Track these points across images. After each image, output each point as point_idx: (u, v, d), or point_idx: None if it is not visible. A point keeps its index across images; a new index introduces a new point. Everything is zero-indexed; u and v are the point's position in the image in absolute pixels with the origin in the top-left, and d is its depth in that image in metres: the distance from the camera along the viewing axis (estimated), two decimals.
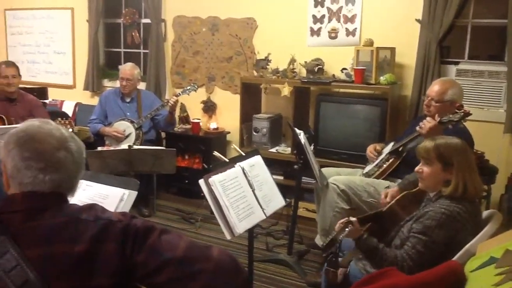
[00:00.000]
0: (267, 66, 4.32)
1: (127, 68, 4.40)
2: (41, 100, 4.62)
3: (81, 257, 1.13)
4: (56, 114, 4.63)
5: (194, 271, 1.16)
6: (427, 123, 2.70)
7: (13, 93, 4.08)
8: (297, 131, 3.22)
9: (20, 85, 4.27)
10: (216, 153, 2.79)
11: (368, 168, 3.31)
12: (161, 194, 4.59)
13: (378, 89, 3.84)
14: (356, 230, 2.15)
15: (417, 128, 2.79)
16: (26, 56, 6.02)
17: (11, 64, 4.11)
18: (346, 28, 4.22)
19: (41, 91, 5.36)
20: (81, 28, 5.53)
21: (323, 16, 4.29)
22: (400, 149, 3.10)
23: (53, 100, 5.56)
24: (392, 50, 3.96)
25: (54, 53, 5.86)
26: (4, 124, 3.93)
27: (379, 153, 3.34)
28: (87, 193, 2.12)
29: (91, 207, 1.25)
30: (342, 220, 2.20)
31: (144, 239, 1.19)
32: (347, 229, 2.11)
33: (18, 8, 5.98)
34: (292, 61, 4.19)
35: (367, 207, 3.03)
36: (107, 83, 5.51)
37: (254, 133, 4.32)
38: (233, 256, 1.23)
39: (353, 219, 2.18)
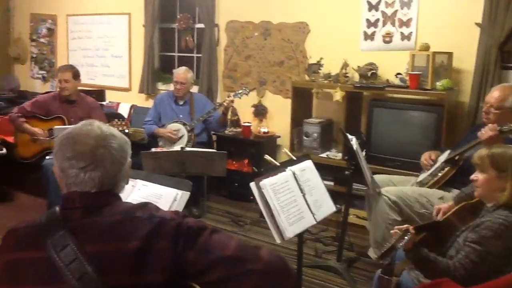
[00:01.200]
0: (319, 71, 4.29)
1: (180, 72, 4.49)
2: (99, 102, 4.79)
3: (135, 253, 1.16)
4: (113, 115, 4.79)
5: (244, 271, 1.17)
6: (488, 131, 2.60)
7: (70, 96, 4.24)
8: (349, 136, 3.17)
9: (80, 88, 4.44)
10: (267, 157, 2.80)
11: (422, 176, 3.22)
12: (211, 196, 4.65)
13: (434, 95, 3.73)
14: (412, 239, 2.09)
15: (478, 133, 2.68)
16: (85, 60, 6.26)
17: (66, 69, 4.25)
18: (401, 32, 4.13)
19: (99, 93, 5.55)
20: (137, 33, 5.70)
21: (377, 20, 4.22)
22: (457, 157, 3.00)
23: (109, 102, 5.77)
24: (450, 54, 3.83)
25: (112, 57, 6.06)
26: (64, 124, 4.10)
27: (434, 161, 3.23)
28: (142, 192, 2.17)
29: (145, 205, 1.28)
30: (400, 227, 2.14)
31: (196, 237, 1.20)
32: (406, 237, 2.05)
33: (79, 14, 6.23)
34: (345, 65, 4.14)
35: (420, 218, 2.94)
36: (161, 86, 5.65)
37: (305, 137, 4.30)
38: (283, 258, 1.23)
39: (410, 227, 2.11)
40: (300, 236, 2.62)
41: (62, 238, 1.17)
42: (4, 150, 4.55)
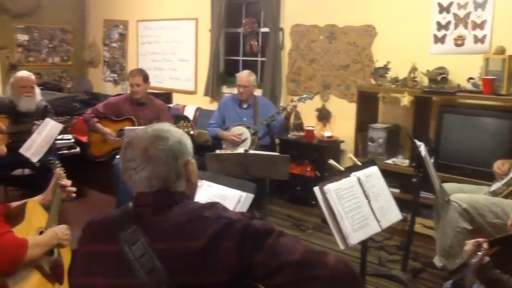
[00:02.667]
0: (386, 75, 4.19)
1: (244, 75, 4.54)
2: (166, 105, 4.94)
3: (201, 252, 1.18)
4: (179, 117, 4.93)
5: (310, 276, 1.15)
6: None
7: (140, 98, 4.42)
8: (417, 143, 3.07)
9: (148, 90, 4.60)
10: (331, 162, 2.77)
11: (496, 186, 3.05)
12: (273, 200, 4.65)
13: (509, 100, 3.53)
14: (485, 255, 1.97)
15: None
16: (154, 64, 6.48)
17: (137, 73, 4.44)
18: (474, 35, 3.95)
19: (166, 96, 5.74)
20: (203, 38, 5.83)
21: (449, 22, 4.06)
22: None
23: (176, 104, 5.93)
24: None
25: (179, 61, 6.23)
26: (134, 125, 4.26)
27: (509, 170, 3.06)
28: (208, 193, 2.21)
29: (214, 206, 1.29)
30: (471, 241, 2.02)
31: (263, 240, 1.20)
32: (479, 253, 1.93)
33: (149, 19, 6.47)
34: (413, 69, 4.02)
35: (492, 229, 2.78)
36: (225, 89, 5.74)
37: (370, 143, 4.20)
38: (350, 265, 1.20)
39: (484, 243, 1.98)
40: (364, 243, 2.57)
41: (133, 233, 1.22)
42: (78, 149, 4.81)
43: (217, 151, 4.01)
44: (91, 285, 1.25)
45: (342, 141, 4.68)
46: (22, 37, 6.67)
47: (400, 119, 4.28)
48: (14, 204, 1.95)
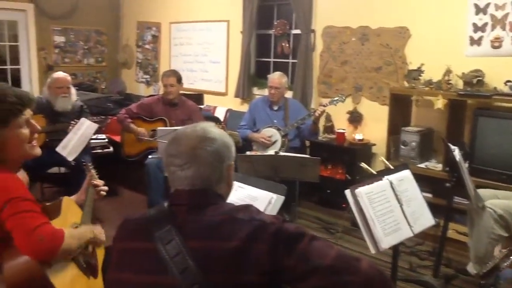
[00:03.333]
0: (420, 77, 4.12)
1: (275, 77, 4.54)
2: (198, 106, 4.99)
3: (234, 253, 1.19)
4: (210, 118, 4.98)
5: (342, 282, 1.15)
6: None
7: (173, 99, 4.49)
8: (451, 147, 3.01)
9: (181, 91, 4.66)
10: (363, 165, 2.74)
11: None
12: (302, 202, 4.64)
13: None
14: None
15: None
16: (185, 65, 6.55)
17: (171, 74, 4.52)
18: None
19: (198, 97, 5.80)
20: (235, 39, 5.86)
21: (486, 24, 3.97)
22: None
23: (207, 105, 5.99)
24: None
25: (210, 63, 6.29)
26: (166, 126, 4.32)
27: None
28: (239, 194, 2.22)
29: (247, 208, 1.31)
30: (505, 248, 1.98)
31: (295, 243, 1.20)
32: (511, 257, 1.90)
33: (181, 21, 6.55)
34: (448, 72, 3.94)
35: None
36: (256, 91, 5.75)
37: (402, 146, 4.14)
38: (383, 272, 1.19)
39: None
40: (395, 248, 2.53)
41: (168, 232, 1.24)
42: (111, 148, 4.90)
43: (248, 153, 4.02)
44: (126, 281, 1.27)
45: (374, 144, 4.63)
46: (59, 39, 6.85)
47: (434, 122, 4.20)
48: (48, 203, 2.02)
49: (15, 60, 6.50)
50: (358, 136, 4.65)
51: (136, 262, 1.27)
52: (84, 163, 2.36)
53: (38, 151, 1.82)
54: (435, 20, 4.21)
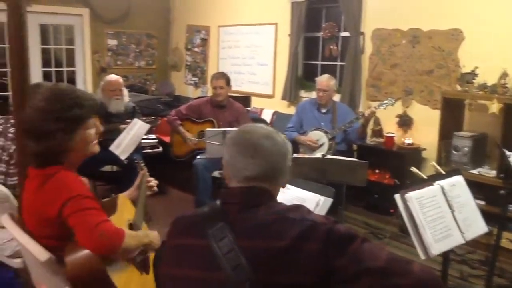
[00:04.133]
0: (473, 81, 4.00)
1: (323, 79, 4.52)
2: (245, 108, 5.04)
3: (285, 252, 1.20)
4: (257, 120, 5.02)
5: (393, 284, 1.14)
6: None
7: (222, 101, 4.55)
8: (507, 153, 2.90)
9: (229, 93, 4.72)
10: (413, 169, 2.68)
11: None
12: (348, 206, 4.59)
13: None
14: None
15: None
16: (233, 68, 6.62)
17: (220, 77, 4.60)
18: None
19: (245, 99, 5.84)
20: (283, 42, 5.88)
21: None
22: None
23: (254, 108, 6.03)
24: None
25: (257, 65, 6.33)
26: (214, 127, 4.39)
27: None
28: (286, 195, 2.23)
29: (298, 208, 1.32)
30: None
31: (346, 244, 1.20)
32: None
33: (229, 24, 6.63)
34: (504, 75, 3.80)
35: None
36: (303, 93, 5.74)
37: (454, 151, 4.03)
38: (436, 276, 1.17)
39: None
40: (445, 255, 2.47)
41: (221, 230, 1.27)
42: (160, 148, 5.03)
43: (295, 155, 4.02)
44: (179, 276, 1.31)
45: (424, 149, 4.52)
46: (112, 42, 7.09)
47: (488, 127, 4.06)
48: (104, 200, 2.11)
49: (71, 62, 6.79)
50: (407, 140, 4.56)
51: (190, 257, 1.31)
52: (136, 161, 2.43)
53: (97, 148, 1.92)
54: (490, 22, 4.07)
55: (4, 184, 2.57)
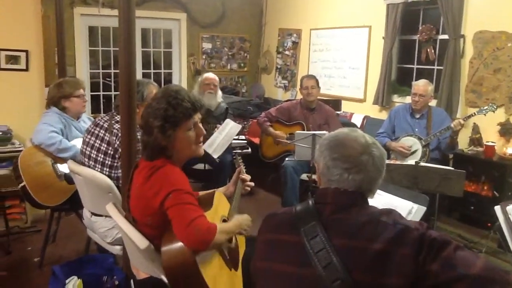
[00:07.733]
0: None
1: (421, 84, 4.35)
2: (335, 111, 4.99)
3: (378, 255, 1.21)
4: (346, 124, 4.94)
5: None
6: None
7: (312, 103, 4.56)
8: None
9: (318, 97, 4.71)
10: None
11: None
12: (442, 217, 4.38)
13: None
14: None
15: None
16: (324, 71, 6.59)
17: (311, 77, 4.66)
18: None
19: (335, 103, 5.79)
20: (376, 45, 5.74)
21: None
22: None
23: (343, 112, 5.95)
24: None
25: (349, 69, 6.24)
26: (304, 130, 4.40)
27: None
28: (377, 201, 2.17)
29: (390, 212, 1.32)
30: None
31: (439, 250, 1.20)
32: None
33: (321, 28, 6.61)
34: None
35: None
36: (396, 98, 5.57)
37: None
38: None
39: None
40: None
41: (313, 228, 1.30)
42: (249, 149, 5.12)
43: (386, 161, 3.91)
44: (272, 270, 1.35)
45: None
46: (206, 45, 7.36)
47: None
48: (201, 193, 2.19)
49: (168, 65, 7.15)
50: (510, 150, 4.25)
51: (282, 253, 1.34)
52: (234, 157, 2.50)
53: (201, 151, 2.01)
54: None
55: (109, 176, 2.76)
